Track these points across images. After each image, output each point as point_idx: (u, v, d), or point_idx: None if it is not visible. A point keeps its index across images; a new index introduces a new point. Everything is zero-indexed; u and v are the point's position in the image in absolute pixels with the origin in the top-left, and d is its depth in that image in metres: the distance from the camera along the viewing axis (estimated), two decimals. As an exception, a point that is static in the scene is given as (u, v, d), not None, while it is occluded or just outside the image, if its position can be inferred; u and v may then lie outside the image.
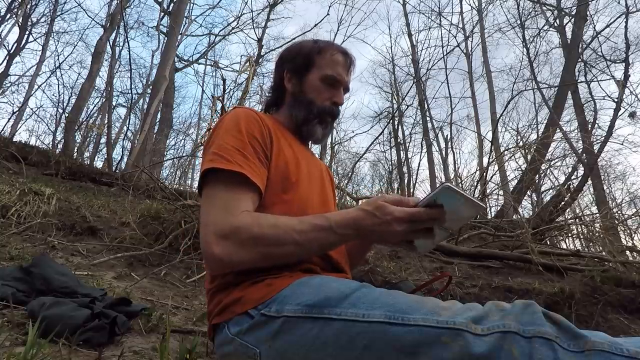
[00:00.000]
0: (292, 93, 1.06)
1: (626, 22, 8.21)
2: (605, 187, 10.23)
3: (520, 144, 12.31)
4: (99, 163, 13.79)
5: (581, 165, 7.97)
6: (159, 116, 11.02)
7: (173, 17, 10.07)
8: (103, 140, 14.39)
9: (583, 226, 5.74)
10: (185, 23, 13.56)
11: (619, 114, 7.99)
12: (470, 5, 17.45)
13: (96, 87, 14.51)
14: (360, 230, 0.76)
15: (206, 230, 0.77)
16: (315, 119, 1.02)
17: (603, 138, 7.86)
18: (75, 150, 10.45)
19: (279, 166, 0.91)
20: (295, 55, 1.06)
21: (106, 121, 10.92)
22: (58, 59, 16.32)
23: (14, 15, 13.63)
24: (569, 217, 6.32)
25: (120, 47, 13.94)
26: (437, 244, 0.71)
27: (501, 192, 6.94)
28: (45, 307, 1.44)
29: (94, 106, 16.36)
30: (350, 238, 0.78)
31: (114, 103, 14.66)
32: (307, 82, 1.03)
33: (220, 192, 0.81)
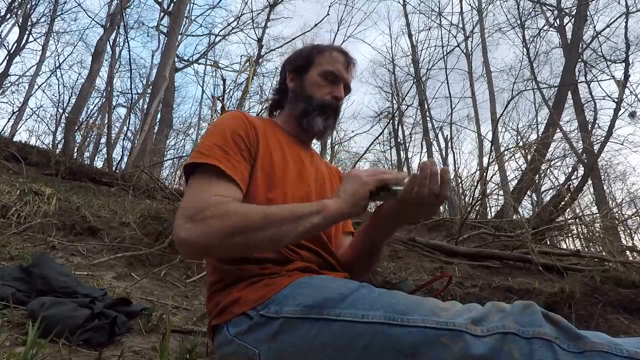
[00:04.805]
0: (293, 90, 1.08)
1: (626, 22, 8.23)
2: (605, 187, 10.24)
3: (520, 144, 12.31)
4: (99, 163, 13.79)
5: (581, 165, 7.97)
6: (159, 116, 11.01)
7: (173, 17, 10.07)
8: (103, 140, 14.36)
9: (583, 226, 5.74)
10: (185, 23, 13.54)
11: (619, 114, 8.00)
12: (470, 5, 17.39)
13: (96, 87, 14.50)
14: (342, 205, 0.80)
15: (177, 215, 0.77)
16: (315, 110, 1.03)
17: (603, 138, 7.87)
18: (75, 150, 10.41)
19: (264, 166, 0.92)
20: (297, 57, 1.10)
21: (106, 121, 10.91)
22: (58, 59, 16.29)
23: (14, 15, 13.63)
24: (569, 217, 6.31)
25: (120, 47, 13.91)
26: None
27: (501, 192, 6.94)
28: (45, 307, 1.43)
29: (94, 106, 16.33)
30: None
31: (114, 103, 14.66)
32: (307, 79, 1.05)
33: (196, 181, 0.83)
